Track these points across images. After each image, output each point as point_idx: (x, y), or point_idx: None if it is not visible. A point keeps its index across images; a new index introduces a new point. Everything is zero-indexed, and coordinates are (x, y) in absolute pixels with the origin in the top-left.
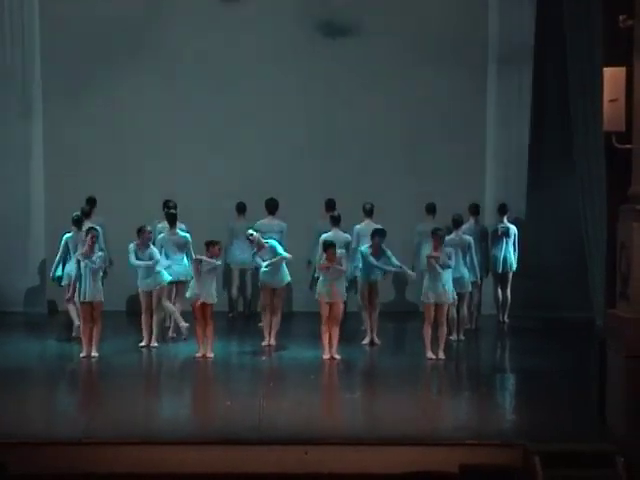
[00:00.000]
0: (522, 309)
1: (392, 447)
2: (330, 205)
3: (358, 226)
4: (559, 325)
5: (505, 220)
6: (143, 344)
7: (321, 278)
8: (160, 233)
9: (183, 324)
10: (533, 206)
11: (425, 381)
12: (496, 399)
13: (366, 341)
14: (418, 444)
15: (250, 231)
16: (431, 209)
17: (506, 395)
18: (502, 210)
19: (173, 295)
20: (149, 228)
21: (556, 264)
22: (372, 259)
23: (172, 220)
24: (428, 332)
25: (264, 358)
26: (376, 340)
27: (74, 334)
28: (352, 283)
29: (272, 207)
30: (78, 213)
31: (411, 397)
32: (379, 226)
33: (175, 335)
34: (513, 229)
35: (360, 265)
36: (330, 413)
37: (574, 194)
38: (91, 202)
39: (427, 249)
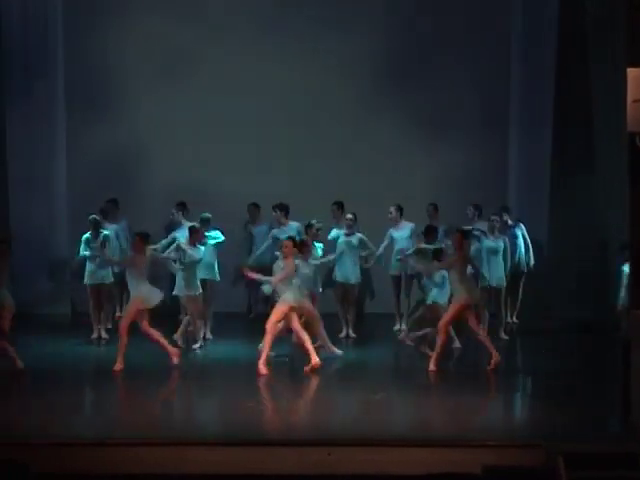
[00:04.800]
0: (544, 310)
1: (414, 448)
2: (340, 207)
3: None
4: (581, 326)
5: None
6: None
7: None
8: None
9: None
10: (555, 207)
11: (447, 382)
12: (519, 400)
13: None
14: (441, 445)
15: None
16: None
17: (529, 396)
18: (505, 211)
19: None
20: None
21: (578, 265)
22: None
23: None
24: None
25: (286, 359)
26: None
27: None
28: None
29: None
30: (95, 216)
31: (434, 398)
32: (392, 228)
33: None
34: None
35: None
36: (353, 414)
37: (596, 195)
38: (112, 204)
39: None
